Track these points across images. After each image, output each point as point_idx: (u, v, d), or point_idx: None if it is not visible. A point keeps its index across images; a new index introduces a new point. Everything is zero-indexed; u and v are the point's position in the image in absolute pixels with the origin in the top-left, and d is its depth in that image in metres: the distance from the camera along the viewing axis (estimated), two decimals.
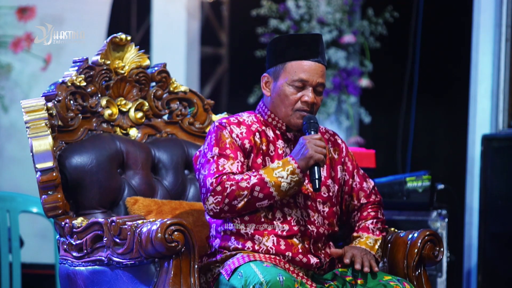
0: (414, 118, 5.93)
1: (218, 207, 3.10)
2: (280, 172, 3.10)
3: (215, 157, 3.15)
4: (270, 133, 3.27)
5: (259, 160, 3.21)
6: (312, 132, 3.16)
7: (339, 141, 3.40)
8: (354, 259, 3.19)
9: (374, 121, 6.23)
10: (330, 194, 3.29)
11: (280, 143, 3.26)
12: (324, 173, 3.28)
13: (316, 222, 3.23)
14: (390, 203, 4.63)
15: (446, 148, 6.22)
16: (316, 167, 3.11)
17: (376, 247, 3.28)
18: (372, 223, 3.33)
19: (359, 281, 3.16)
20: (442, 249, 3.36)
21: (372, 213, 3.36)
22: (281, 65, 3.22)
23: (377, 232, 3.32)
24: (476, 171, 5.34)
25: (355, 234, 3.33)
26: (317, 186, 3.11)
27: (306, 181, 3.22)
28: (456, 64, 6.04)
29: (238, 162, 3.16)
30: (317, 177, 3.11)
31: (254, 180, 3.09)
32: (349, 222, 3.39)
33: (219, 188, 3.09)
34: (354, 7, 6.17)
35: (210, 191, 3.10)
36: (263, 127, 3.26)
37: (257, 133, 3.24)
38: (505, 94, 5.37)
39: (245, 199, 3.09)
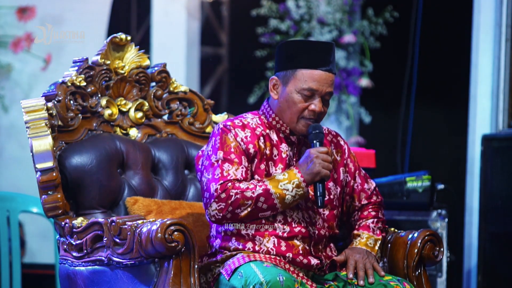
0: (414, 118, 5.93)
1: (221, 214, 3.10)
2: (285, 184, 3.11)
3: (220, 162, 3.15)
4: (274, 137, 3.26)
5: (263, 166, 3.20)
6: (318, 144, 3.16)
7: (342, 143, 3.40)
8: (356, 270, 3.18)
9: (374, 121, 6.22)
10: (331, 197, 3.29)
11: (283, 146, 3.26)
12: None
13: (317, 223, 3.23)
14: (390, 203, 4.63)
15: (446, 148, 6.22)
16: (320, 184, 3.12)
17: (376, 248, 3.29)
18: (372, 222, 3.33)
19: (360, 282, 3.16)
20: (442, 249, 3.35)
21: (373, 213, 3.36)
22: (292, 71, 3.21)
23: (378, 232, 3.32)
24: (476, 171, 5.34)
25: (355, 232, 3.33)
26: (319, 204, 3.12)
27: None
28: (456, 64, 6.04)
29: (242, 167, 3.15)
30: (320, 194, 3.12)
31: (259, 190, 3.09)
32: (349, 222, 3.40)
33: (223, 195, 3.09)
34: (354, 7, 6.17)
35: (214, 197, 3.10)
36: (267, 130, 3.26)
37: (261, 137, 3.23)
38: (505, 94, 5.36)
39: (249, 209, 3.09)
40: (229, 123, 3.23)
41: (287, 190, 3.10)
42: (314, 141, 3.17)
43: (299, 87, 3.19)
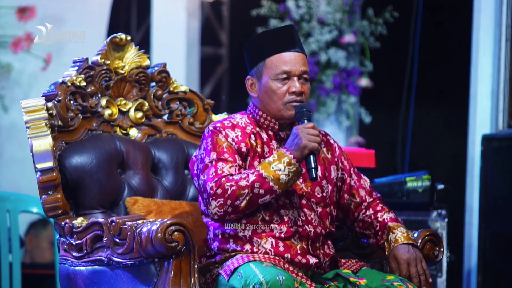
0: (414, 118, 5.93)
1: (222, 210, 3.10)
2: (277, 165, 3.10)
3: (214, 162, 3.15)
4: (264, 135, 3.27)
5: (256, 163, 3.20)
6: (305, 121, 3.16)
7: (331, 141, 3.40)
8: (410, 275, 3.20)
9: (374, 121, 6.23)
10: (324, 194, 3.29)
11: (273, 143, 3.26)
12: (318, 173, 3.27)
13: (313, 221, 3.23)
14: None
15: (446, 148, 6.22)
16: (311, 156, 3.10)
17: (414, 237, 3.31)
18: (393, 215, 3.34)
19: (361, 281, 3.15)
20: (442, 249, 3.36)
21: (385, 208, 3.36)
22: (262, 63, 3.24)
23: (402, 224, 3.33)
24: (476, 171, 5.34)
25: (390, 224, 3.30)
26: (313, 175, 3.10)
27: (301, 180, 3.22)
28: (456, 64, 6.04)
29: (236, 165, 3.16)
30: (313, 166, 3.09)
31: (252, 177, 3.09)
32: (358, 219, 3.36)
33: (219, 191, 3.09)
34: (354, 7, 6.17)
35: (211, 195, 3.09)
36: (257, 129, 3.27)
37: (252, 135, 3.24)
38: (505, 94, 5.37)
39: (247, 198, 3.09)
40: (218, 124, 3.24)
41: (280, 170, 3.09)
42: (301, 119, 3.16)
43: (272, 74, 3.21)
